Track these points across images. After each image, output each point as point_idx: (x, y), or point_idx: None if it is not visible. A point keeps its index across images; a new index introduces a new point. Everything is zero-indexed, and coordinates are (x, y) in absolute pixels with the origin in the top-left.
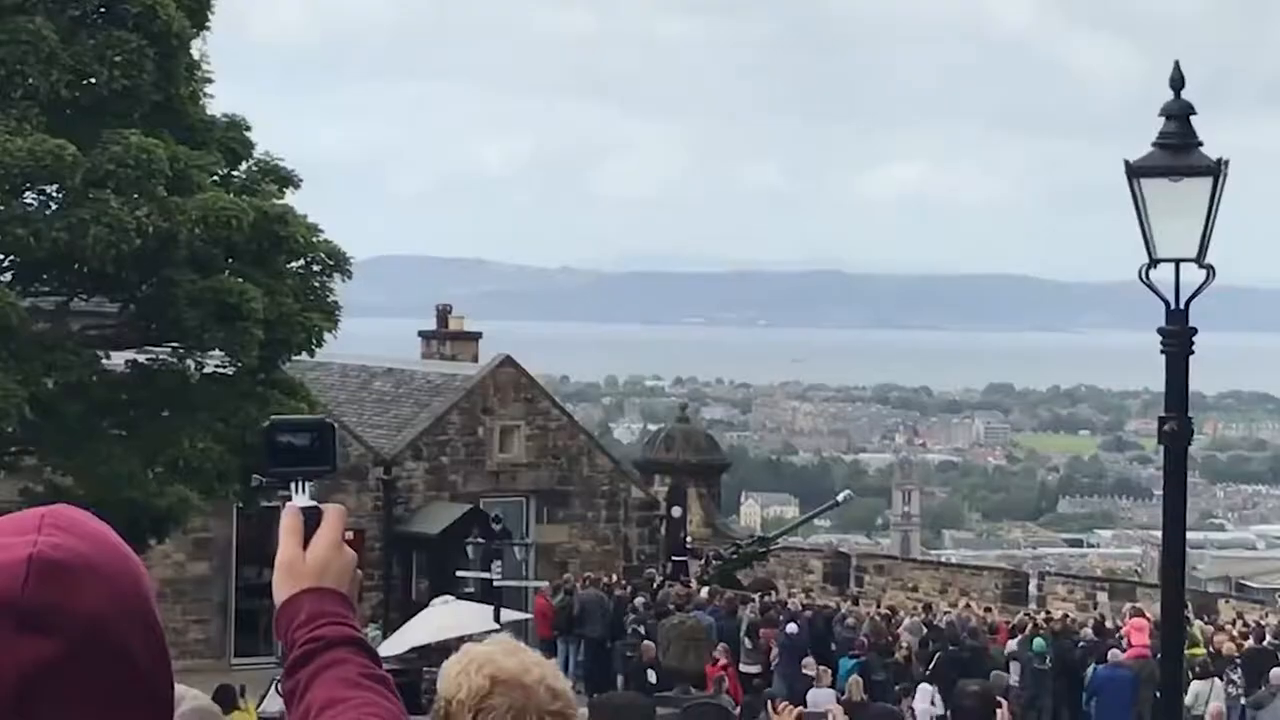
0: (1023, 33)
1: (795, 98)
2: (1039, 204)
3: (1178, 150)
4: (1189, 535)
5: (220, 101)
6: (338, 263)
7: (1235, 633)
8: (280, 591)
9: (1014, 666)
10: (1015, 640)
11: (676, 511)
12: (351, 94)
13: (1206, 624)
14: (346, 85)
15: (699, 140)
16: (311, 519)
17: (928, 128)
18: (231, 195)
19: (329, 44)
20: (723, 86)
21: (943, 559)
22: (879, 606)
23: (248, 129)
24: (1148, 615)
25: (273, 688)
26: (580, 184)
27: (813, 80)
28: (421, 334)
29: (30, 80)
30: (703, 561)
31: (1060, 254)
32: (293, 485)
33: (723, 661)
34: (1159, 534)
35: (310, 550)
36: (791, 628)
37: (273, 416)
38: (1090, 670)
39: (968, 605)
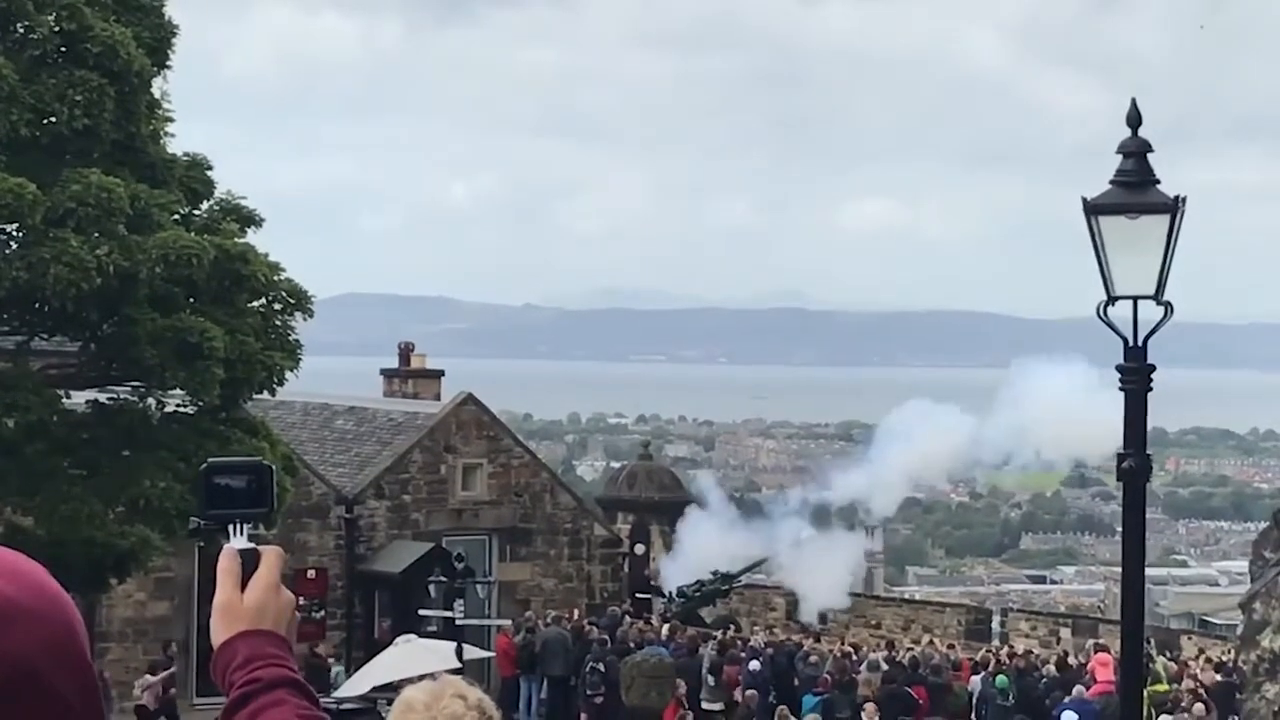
0: (991, 70)
1: (762, 134)
2: (1004, 240)
3: (1135, 187)
4: (1152, 571)
5: (190, 139)
6: (299, 301)
7: (1200, 668)
8: (218, 634)
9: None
10: (978, 677)
11: (639, 549)
12: (320, 131)
13: (1170, 660)
14: (315, 122)
15: (664, 177)
16: (249, 561)
17: (894, 164)
18: (192, 234)
19: (298, 82)
20: (690, 123)
21: (906, 596)
22: (842, 643)
23: (209, 168)
24: (1112, 651)
25: None
26: (546, 221)
27: (780, 117)
28: (384, 372)
29: None
30: (665, 599)
31: (1025, 290)
32: (230, 528)
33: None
34: (1121, 570)
35: (248, 592)
36: (754, 665)
37: (210, 459)
38: (1059, 705)
39: (931, 642)
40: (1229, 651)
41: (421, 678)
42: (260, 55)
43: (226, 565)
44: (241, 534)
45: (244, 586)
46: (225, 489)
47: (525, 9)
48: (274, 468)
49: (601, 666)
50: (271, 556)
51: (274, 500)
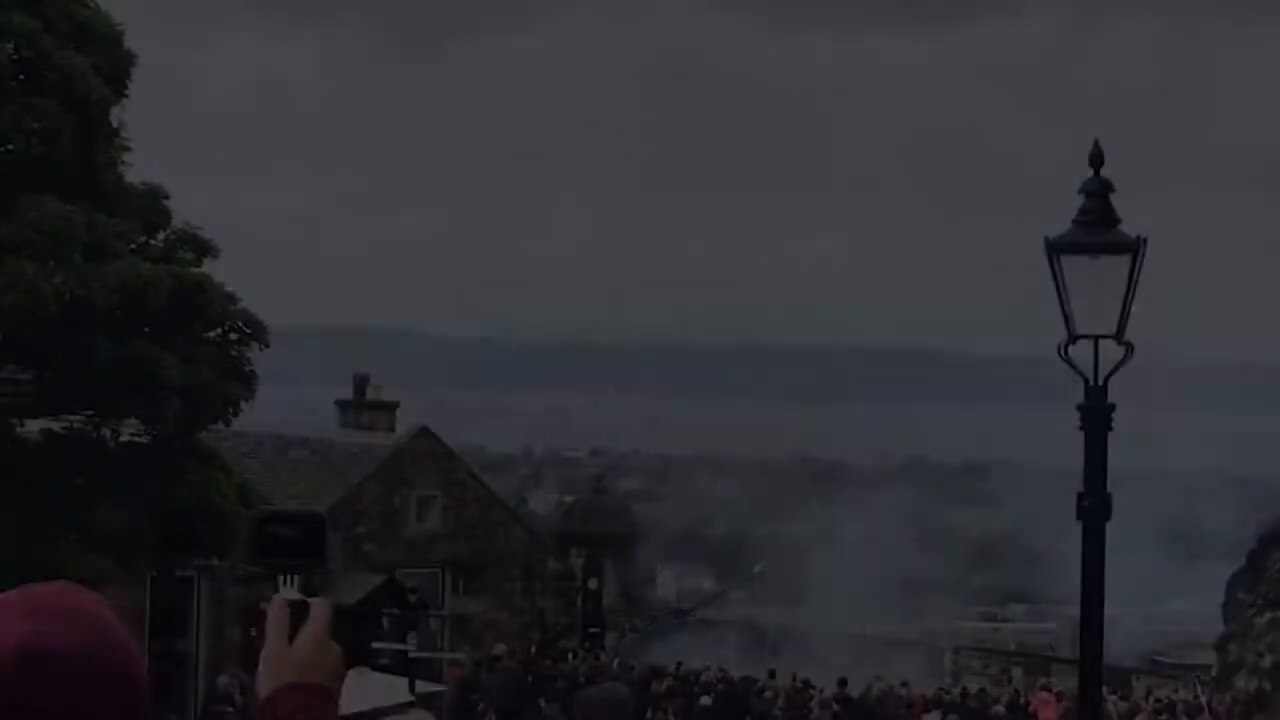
0: (956, 107)
1: (725, 169)
2: (961, 278)
3: (1097, 227)
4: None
5: (149, 168)
6: (255, 331)
7: (1151, 709)
8: (264, 685)
9: None
10: (930, 715)
11: (593, 583)
12: (278, 160)
13: (1120, 699)
14: (273, 152)
15: (625, 209)
16: (298, 612)
17: (854, 201)
18: (149, 263)
19: (259, 111)
20: (653, 157)
21: (859, 632)
22: (795, 679)
23: (166, 197)
24: (1053, 690)
25: None
26: (504, 253)
27: (743, 152)
28: (339, 403)
29: None
30: (619, 633)
31: (981, 328)
32: (280, 578)
33: None
34: (1072, 608)
35: (295, 644)
36: (705, 700)
37: (261, 507)
38: None
39: (879, 678)
40: (1176, 690)
41: (375, 712)
42: (222, 85)
43: (276, 616)
44: (292, 584)
45: (292, 638)
46: (277, 538)
47: (489, 41)
48: (325, 518)
49: (542, 701)
50: (320, 609)
51: (325, 551)
